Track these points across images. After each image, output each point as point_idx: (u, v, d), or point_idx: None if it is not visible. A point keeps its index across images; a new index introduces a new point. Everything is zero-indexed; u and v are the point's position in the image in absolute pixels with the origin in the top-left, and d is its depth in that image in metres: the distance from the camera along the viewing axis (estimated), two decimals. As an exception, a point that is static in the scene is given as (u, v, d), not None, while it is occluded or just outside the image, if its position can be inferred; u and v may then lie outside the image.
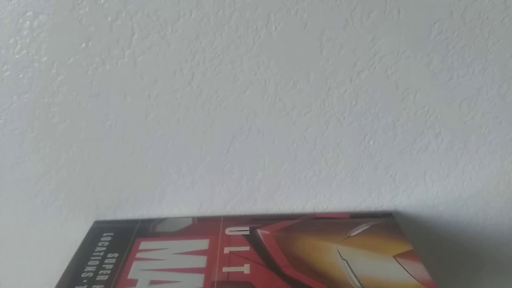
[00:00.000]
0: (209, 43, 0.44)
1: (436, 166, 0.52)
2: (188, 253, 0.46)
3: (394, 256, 0.45)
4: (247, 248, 0.46)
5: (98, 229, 0.51)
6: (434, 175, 0.53)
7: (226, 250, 0.46)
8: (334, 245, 0.47)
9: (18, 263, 0.55)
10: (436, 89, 0.47)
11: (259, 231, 0.50)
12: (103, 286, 0.42)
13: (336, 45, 0.45)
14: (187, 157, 0.50)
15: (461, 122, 0.49)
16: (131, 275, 0.43)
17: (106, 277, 0.43)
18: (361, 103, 0.48)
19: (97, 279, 0.42)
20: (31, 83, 0.45)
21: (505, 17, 0.44)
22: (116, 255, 0.46)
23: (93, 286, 0.42)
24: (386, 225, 0.50)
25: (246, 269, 0.43)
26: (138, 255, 0.46)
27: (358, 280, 0.42)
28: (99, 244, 0.48)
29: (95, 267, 0.44)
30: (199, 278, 0.42)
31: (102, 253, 0.46)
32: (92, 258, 0.46)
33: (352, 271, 0.43)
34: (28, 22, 0.42)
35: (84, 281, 0.42)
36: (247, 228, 0.50)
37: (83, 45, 0.43)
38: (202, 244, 0.47)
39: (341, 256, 0.45)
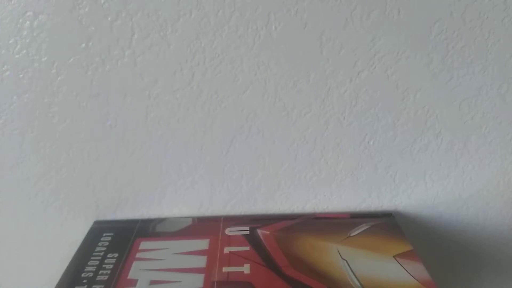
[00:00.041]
0: (209, 43, 0.44)
1: (436, 166, 0.52)
2: (188, 253, 0.46)
3: (394, 256, 0.45)
4: (247, 248, 0.46)
5: (98, 229, 0.51)
6: (434, 175, 0.53)
7: (226, 250, 0.46)
8: (334, 245, 0.47)
9: (18, 263, 0.55)
10: (436, 89, 0.47)
11: (259, 231, 0.50)
12: (103, 286, 0.42)
13: (336, 45, 0.45)
14: (187, 157, 0.50)
15: (461, 122, 0.49)
16: (131, 275, 0.43)
17: (106, 277, 0.43)
18: (361, 103, 0.48)
19: (97, 279, 0.42)
20: (31, 83, 0.45)
21: (505, 17, 0.44)
22: (116, 255, 0.46)
23: (93, 286, 0.42)
24: (386, 225, 0.50)
25: (246, 269, 0.43)
26: (138, 255, 0.46)
27: (358, 280, 0.42)
28: (99, 244, 0.48)
29: (95, 267, 0.44)
30: (199, 278, 0.42)
31: (102, 253, 0.46)
32: (92, 258, 0.46)
33: (352, 271, 0.43)
34: (28, 22, 0.42)
35: (84, 281, 0.42)
36: (247, 228, 0.50)
37: (83, 45, 0.43)
38: (202, 244, 0.47)
39: (341, 256, 0.45)
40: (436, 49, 0.45)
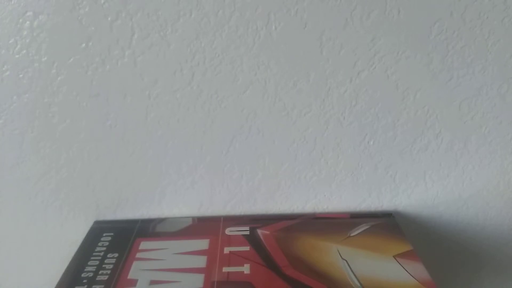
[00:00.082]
0: (209, 43, 0.44)
1: (436, 166, 0.52)
2: (188, 253, 0.46)
3: (394, 256, 0.45)
4: (247, 248, 0.46)
5: (98, 229, 0.51)
6: (434, 175, 0.53)
7: (226, 250, 0.46)
8: (334, 245, 0.47)
9: (18, 263, 0.55)
10: (436, 89, 0.47)
11: (259, 231, 0.50)
12: (103, 286, 0.42)
13: (336, 45, 0.45)
14: (187, 157, 0.50)
15: (461, 122, 0.49)
16: (131, 275, 0.43)
17: (106, 277, 0.43)
18: (361, 103, 0.48)
19: (97, 279, 0.42)
20: (31, 83, 0.45)
21: (505, 17, 0.44)
22: (116, 255, 0.46)
23: (93, 286, 0.42)
24: (386, 225, 0.50)
25: (246, 269, 0.43)
26: (138, 255, 0.46)
27: (358, 280, 0.42)
28: (99, 244, 0.48)
29: (95, 267, 0.44)
30: (199, 278, 0.42)
31: (102, 253, 0.46)
32: (92, 258, 0.46)
33: (352, 271, 0.43)
34: (28, 22, 0.42)
35: (84, 281, 0.42)
36: (247, 228, 0.50)
37: (83, 45, 0.43)
38: (202, 244, 0.47)
39: (341, 256, 0.45)
40: (436, 49, 0.45)
